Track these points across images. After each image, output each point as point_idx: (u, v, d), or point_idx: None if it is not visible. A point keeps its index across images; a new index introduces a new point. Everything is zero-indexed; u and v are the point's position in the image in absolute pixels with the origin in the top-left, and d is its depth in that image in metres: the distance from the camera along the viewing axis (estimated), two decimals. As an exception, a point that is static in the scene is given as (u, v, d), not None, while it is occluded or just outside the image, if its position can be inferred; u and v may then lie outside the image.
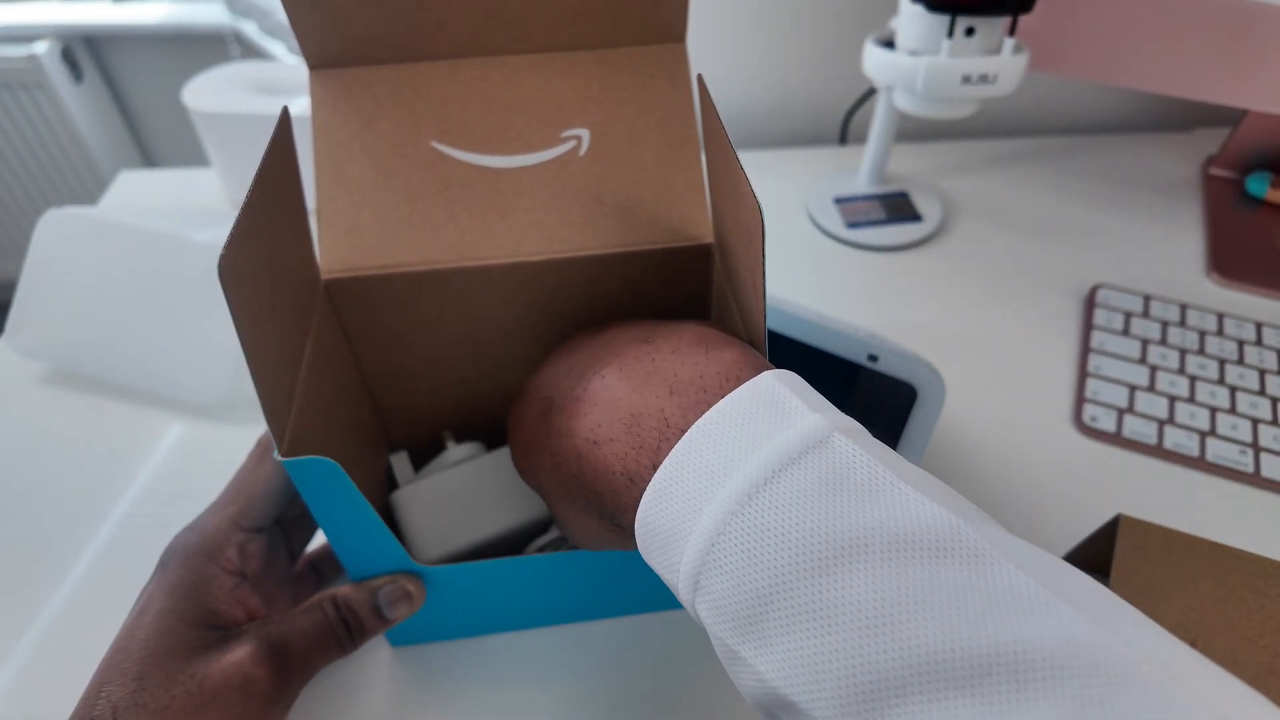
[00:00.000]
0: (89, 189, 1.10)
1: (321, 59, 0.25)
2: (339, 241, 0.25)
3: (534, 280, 0.26)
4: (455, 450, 0.29)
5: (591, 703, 0.28)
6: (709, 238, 0.26)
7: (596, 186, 0.25)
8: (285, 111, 0.21)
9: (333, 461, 0.19)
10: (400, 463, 0.30)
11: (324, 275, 0.25)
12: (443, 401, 0.31)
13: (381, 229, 0.25)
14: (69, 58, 0.99)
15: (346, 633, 0.24)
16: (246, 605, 0.23)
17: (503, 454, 0.28)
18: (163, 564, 0.23)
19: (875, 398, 0.30)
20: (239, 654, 0.21)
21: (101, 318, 0.39)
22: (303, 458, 0.19)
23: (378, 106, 0.25)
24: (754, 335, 0.20)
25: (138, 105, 1.07)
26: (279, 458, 0.19)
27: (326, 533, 0.22)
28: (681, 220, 0.25)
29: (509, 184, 0.25)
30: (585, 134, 0.26)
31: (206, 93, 0.48)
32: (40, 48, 0.96)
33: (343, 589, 0.24)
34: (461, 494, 0.27)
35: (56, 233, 0.39)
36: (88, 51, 1.02)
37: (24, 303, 0.39)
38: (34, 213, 1.12)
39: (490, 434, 0.31)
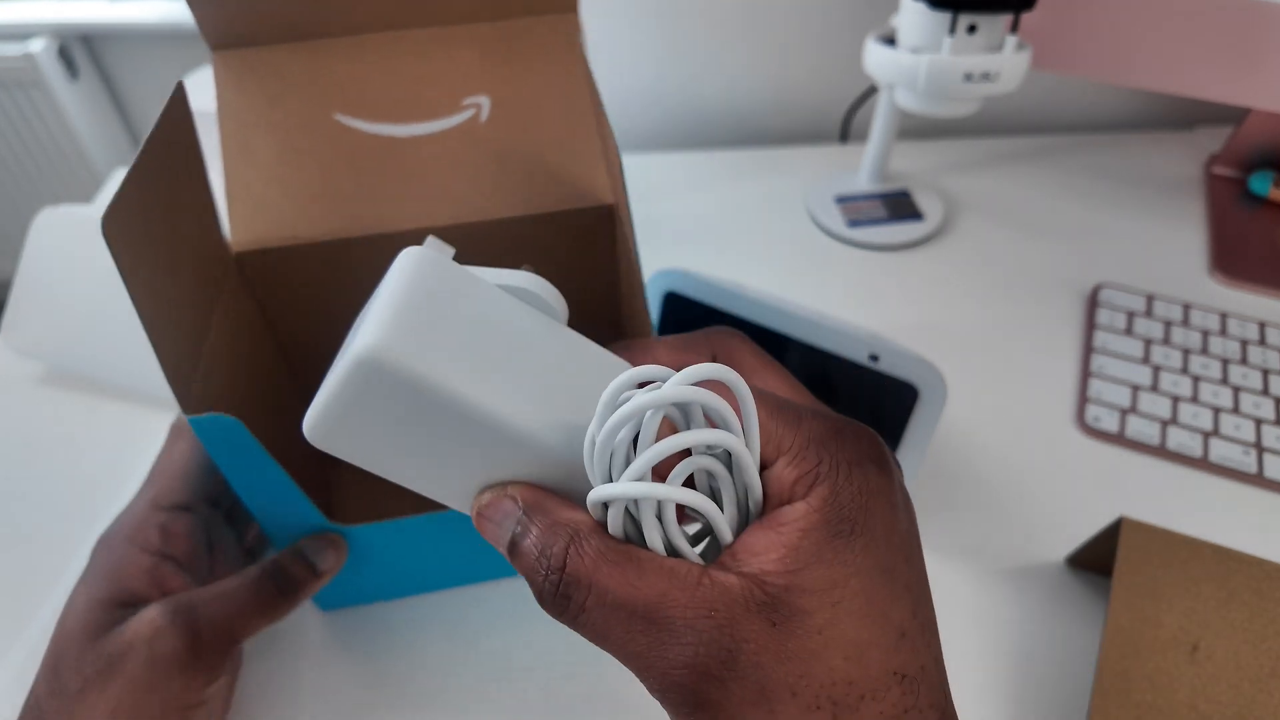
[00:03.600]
0: (84, 187, 1.10)
1: (224, 39, 0.25)
2: (249, 217, 0.25)
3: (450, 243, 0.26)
4: (530, 278, 0.18)
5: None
6: (610, 198, 0.26)
7: (499, 152, 0.26)
8: (180, 85, 0.21)
9: (233, 419, 0.19)
10: (437, 246, 0.18)
11: (235, 249, 0.25)
12: None
13: (291, 204, 0.25)
14: (65, 55, 0.99)
15: (275, 589, 0.23)
16: (167, 585, 0.22)
17: (576, 338, 0.18)
18: (90, 555, 0.23)
19: (877, 398, 0.30)
20: (142, 619, 0.21)
21: (97, 317, 0.38)
22: (204, 415, 0.19)
23: (283, 84, 0.26)
24: (633, 282, 0.20)
25: (134, 103, 1.07)
26: (184, 416, 0.19)
27: (239, 493, 0.22)
28: (582, 182, 0.26)
29: (413, 153, 0.26)
30: (485, 101, 0.26)
31: (203, 91, 0.48)
32: (36, 45, 0.95)
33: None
34: (502, 334, 0.16)
35: (52, 231, 0.39)
36: (84, 49, 1.02)
37: (19, 302, 0.39)
38: (29, 211, 1.11)
39: None
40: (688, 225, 0.50)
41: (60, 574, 0.32)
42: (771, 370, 0.17)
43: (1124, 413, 0.37)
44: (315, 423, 0.15)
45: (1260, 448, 0.35)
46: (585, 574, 0.13)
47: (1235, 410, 0.37)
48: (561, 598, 0.13)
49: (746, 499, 0.14)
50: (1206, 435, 0.36)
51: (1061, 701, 0.28)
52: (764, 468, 0.14)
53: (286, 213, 0.25)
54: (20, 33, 0.98)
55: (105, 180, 0.65)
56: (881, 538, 0.13)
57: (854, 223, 0.49)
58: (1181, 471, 0.35)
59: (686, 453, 0.14)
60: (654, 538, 0.14)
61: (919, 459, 0.30)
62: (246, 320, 0.26)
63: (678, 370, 0.13)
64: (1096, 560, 0.30)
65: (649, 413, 0.13)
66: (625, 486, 0.13)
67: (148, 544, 0.23)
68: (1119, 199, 0.51)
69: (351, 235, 0.25)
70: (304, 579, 0.24)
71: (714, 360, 0.16)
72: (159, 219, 0.20)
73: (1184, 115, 0.58)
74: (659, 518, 0.14)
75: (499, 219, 0.26)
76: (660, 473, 0.14)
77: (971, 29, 0.38)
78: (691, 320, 0.33)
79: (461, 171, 0.26)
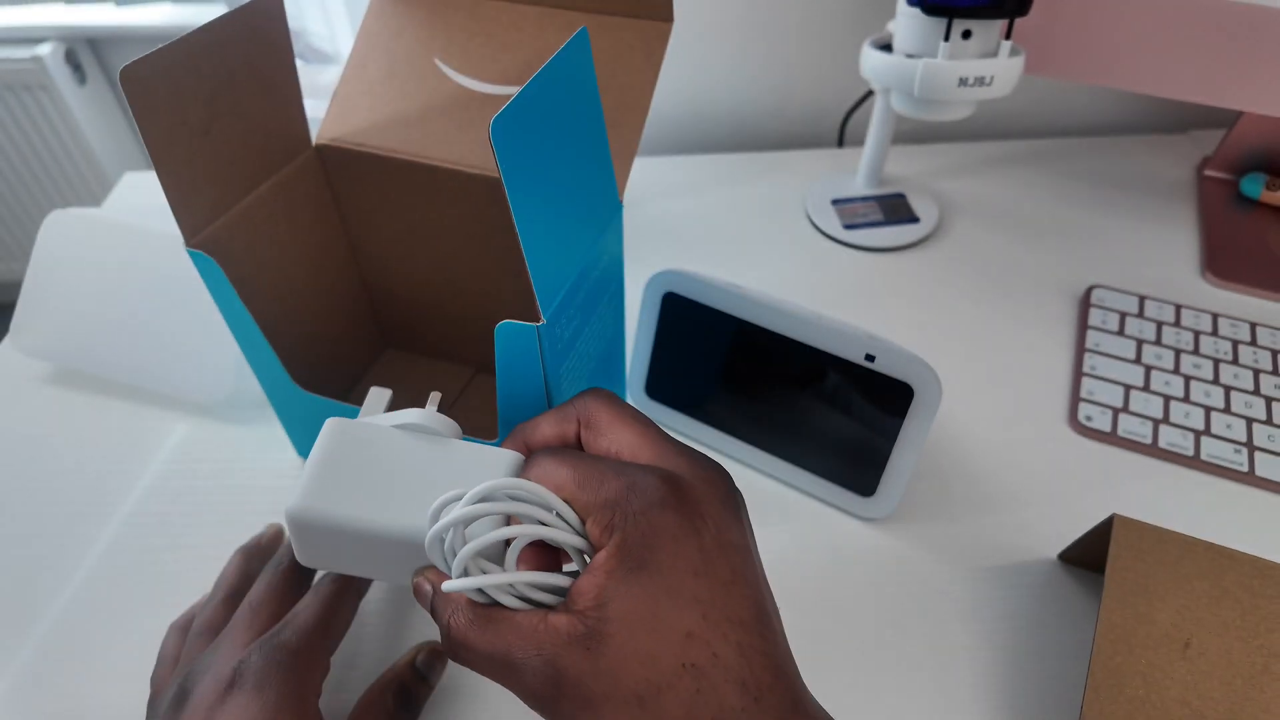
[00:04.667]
0: (93, 190, 1.10)
1: None
2: (340, 118, 0.32)
3: (472, 191, 0.31)
4: (418, 413, 0.22)
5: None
6: (622, 199, 0.29)
7: None
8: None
9: (210, 258, 0.25)
10: (376, 397, 0.25)
11: (318, 140, 0.31)
12: (412, 294, 0.37)
13: (371, 118, 0.31)
14: (72, 60, 1.00)
15: (394, 704, 0.25)
16: None
17: (460, 447, 0.22)
18: (259, 684, 0.21)
19: (872, 397, 0.31)
20: None
21: (105, 318, 0.39)
22: (195, 250, 0.25)
23: (409, 22, 0.32)
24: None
25: (140, 107, 1.07)
26: (188, 249, 0.25)
27: (230, 328, 0.28)
28: None
29: (479, 107, 0.30)
30: None
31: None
32: (44, 50, 0.96)
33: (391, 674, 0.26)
34: (399, 462, 0.21)
35: (61, 233, 0.40)
36: (91, 53, 1.03)
37: (28, 303, 0.40)
38: (38, 214, 1.12)
39: (436, 344, 0.38)
40: (687, 227, 0.50)
41: (68, 573, 0.32)
42: (625, 422, 0.20)
43: (1116, 412, 0.37)
44: (298, 554, 0.22)
45: (1251, 446, 0.36)
46: (460, 635, 0.18)
47: (1226, 409, 0.37)
48: (451, 652, 0.19)
49: (583, 555, 0.19)
50: (1198, 434, 0.36)
51: (1054, 697, 0.28)
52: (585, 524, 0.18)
53: (366, 124, 0.31)
54: (28, 37, 0.99)
55: (114, 183, 0.65)
56: (666, 566, 0.17)
57: (850, 225, 0.49)
58: (1173, 470, 0.35)
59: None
60: (508, 601, 0.18)
61: (914, 457, 0.31)
62: (314, 201, 0.32)
63: (557, 439, 0.21)
64: (1089, 557, 0.31)
65: (452, 529, 0.18)
66: (461, 582, 0.18)
67: (316, 690, 0.23)
68: (1112, 201, 0.51)
69: (414, 160, 0.30)
70: (421, 693, 0.26)
71: (578, 425, 0.21)
72: (208, 84, 0.25)
73: (1177, 119, 0.58)
74: (513, 586, 0.18)
75: None
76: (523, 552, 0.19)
77: (966, 34, 0.38)
78: (691, 320, 0.34)
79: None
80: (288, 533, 0.20)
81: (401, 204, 0.33)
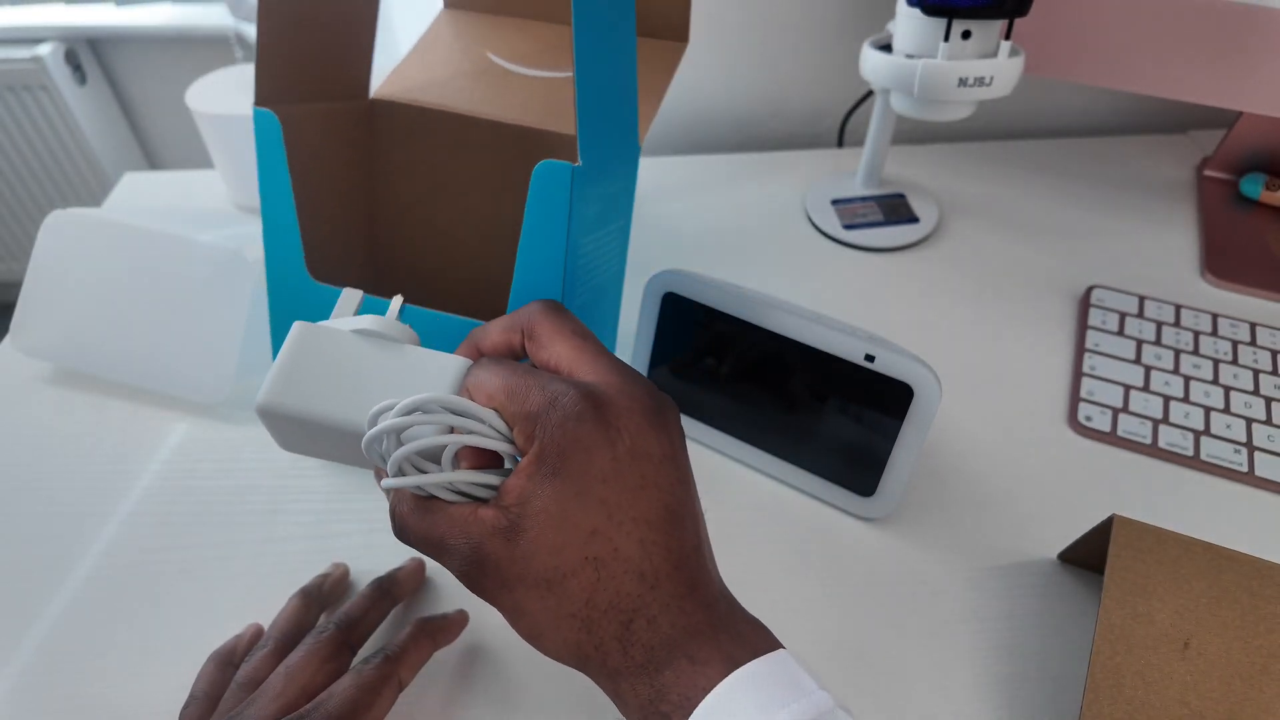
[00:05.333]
0: (93, 191, 1.10)
1: (454, 3, 0.42)
2: (396, 82, 0.39)
3: (504, 139, 0.37)
4: (375, 320, 0.24)
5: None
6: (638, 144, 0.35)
7: (570, 98, 0.36)
8: None
9: (272, 113, 0.30)
10: (349, 298, 0.26)
11: (375, 95, 0.38)
12: (427, 250, 0.41)
13: (424, 84, 0.38)
14: (73, 60, 1.00)
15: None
16: None
17: (414, 352, 0.24)
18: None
19: (872, 397, 0.31)
20: None
21: (106, 318, 0.39)
22: (264, 109, 0.30)
23: (469, 31, 0.40)
24: None
25: (141, 107, 1.08)
26: (255, 107, 0.30)
27: (262, 192, 0.31)
28: None
29: (522, 82, 0.38)
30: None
31: (210, 95, 0.49)
32: (44, 50, 0.96)
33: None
34: (355, 364, 0.23)
35: (61, 234, 0.40)
36: (91, 54, 1.03)
37: (29, 303, 0.40)
38: (38, 214, 1.12)
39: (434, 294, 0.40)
40: (688, 227, 0.50)
41: (67, 573, 0.32)
42: (564, 336, 0.22)
43: (1116, 412, 0.38)
44: (275, 440, 0.24)
45: (1251, 446, 0.36)
46: (403, 520, 0.21)
47: (1226, 409, 0.37)
48: (397, 531, 0.21)
49: (510, 459, 0.21)
50: (1198, 434, 0.36)
51: (1053, 697, 0.28)
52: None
53: (422, 87, 0.38)
54: (29, 37, 0.99)
55: (113, 184, 0.65)
56: (577, 472, 0.19)
57: (850, 225, 0.49)
58: (1173, 470, 0.36)
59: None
60: (443, 494, 0.20)
61: (914, 457, 0.31)
62: (356, 146, 0.38)
63: (504, 348, 0.23)
64: (1089, 557, 0.31)
65: (386, 435, 0.21)
66: (398, 481, 0.20)
67: None
68: (1112, 202, 0.51)
69: (454, 111, 0.37)
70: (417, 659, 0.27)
71: (523, 336, 0.23)
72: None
73: (1176, 119, 0.58)
74: (450, 483, 0.20)
75: (555, 132, 0.36)
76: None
77: (966, 34, 0.38)
78: (691, 320, 0.34)
79: (547, 99, 0.38)
80: (264, 424, 0.23)
81: (437, 154, 0.38)
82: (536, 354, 0.22)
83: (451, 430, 0.21)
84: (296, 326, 0.23)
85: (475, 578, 0.20)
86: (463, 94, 0.37)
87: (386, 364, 0.23)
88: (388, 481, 0.20)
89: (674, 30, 0.38)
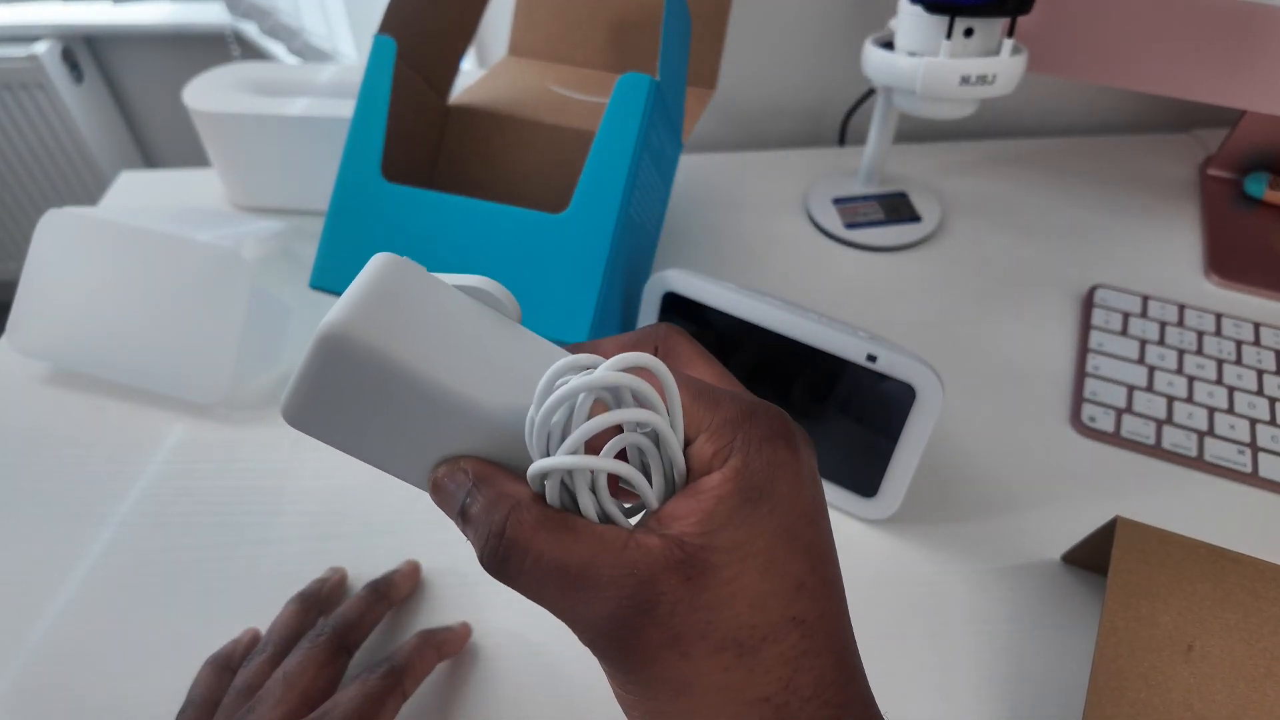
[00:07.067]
0: (89, 189, 1.10)
1: (519, 50, 0.48)
2: (467, 97, 0.44)
3: (564, 141, 0.41)
4: (485, 280, 0.18)
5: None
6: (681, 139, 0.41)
7: None
8: None
9: (393, 44, 0.35)
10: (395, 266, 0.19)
11: (451, 102, 0.44)
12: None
13: (493, 100, 0.44)
14: (69, 58, 1.00)
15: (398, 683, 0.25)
16: None
17: (528, 336, 0.18)
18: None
19: (874, 397, 0.30)
20: None
21: (102, 318, 0.39)
22: (385, 35, 0.35)
23: (535, 72, 0.47)
24: None
25: (138, 106, 1.07)
26: (376, 35, 0.35)
27: (356, 115, 0.35)
28: None
29: (579, 105, 0.43)
30: None
31: (207, 93, 0.48)
32: (41, 48, 0.96)
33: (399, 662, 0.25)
34: (459, 329, 0.17)
35: (57, 233, 0.39)
36: (88, 52, 1.02)
37: (25, 302, 0.39)
38: (35, 213, 1.12)
39: None
40: (688, 227, 0.50)
41: (65, 574, 0.32)
42: (704, 361, 0.18)
43: (1119, 412, 0.37)
44: (288, 402, 0.16)
45: (1255, 447, 0.36)
46: (523, 540, 0.15)
47: (1230, 410, 0.37)
48: (501, 560, 0.15)
49: (673, 472, 0.16)
50: (1201, 435, 0.36)
51: (1056, 700, 0.28)
52: (687, 444, 0.16)
53: (492, 101, 0.44)
54: (25, 35, 0.99)
55: (110, 182, 0.65)
56: (785, 503, 0.15)
57: (852, 224, 0.49)
58: (1177, 471, 0.35)
59: (619, 431, 0.15)
60: (587, 506, 0.15)
61: (916, 458, 0.31)
62: (426, 145, 0.42)
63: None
64: (1092, 559, 0.31)
65: (581, 396, 0.15)
66: (559, 459, 0.15)
67: None
68: (1115, 201, 0.51)
69: (522, 116, 0.42)
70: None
71: (656, 354, 0.18)
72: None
73: (1180, 118, 0.58)
74: (593, 489, 0.15)
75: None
76: (595, 449, 0.15)
77: (968, 32, 0.38)
78: (691, 320, 0.34)
79: (595, 118, 0.42)
80: (300, 371, 0.15)
81: (501, 154, 0.42)
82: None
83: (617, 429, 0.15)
84: (383, 258, 0.17)
85: (628, 631, 0.14)
86: (527, 108, 0.43)
87: (501, 338, 0.17)
88: (561, 460, 0.14)
89: (704, 78, 0.44)
